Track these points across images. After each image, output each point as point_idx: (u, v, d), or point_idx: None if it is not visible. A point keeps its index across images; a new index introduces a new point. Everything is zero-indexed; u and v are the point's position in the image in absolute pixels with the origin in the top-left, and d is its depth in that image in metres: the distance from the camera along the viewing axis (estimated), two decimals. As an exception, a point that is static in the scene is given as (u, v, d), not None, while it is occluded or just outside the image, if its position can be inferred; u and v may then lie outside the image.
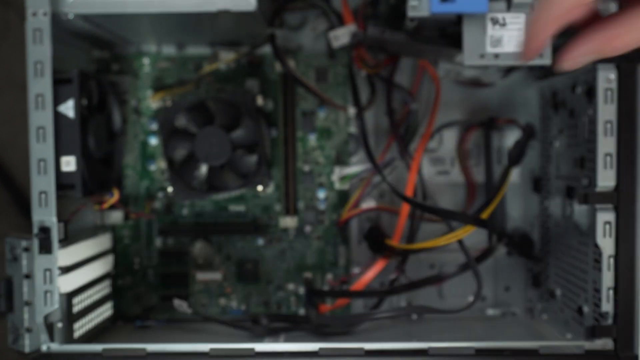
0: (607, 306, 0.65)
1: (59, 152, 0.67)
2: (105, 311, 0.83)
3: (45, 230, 0.65)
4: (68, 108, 0.68)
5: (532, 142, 0.85)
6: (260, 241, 0.87)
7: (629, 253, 0.65)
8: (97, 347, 0.67)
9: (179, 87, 0.84)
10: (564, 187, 0.76)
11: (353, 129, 0.86)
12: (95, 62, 0.85)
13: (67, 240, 0.70)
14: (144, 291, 0.87)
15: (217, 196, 0.83)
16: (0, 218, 0.88)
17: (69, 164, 0.68)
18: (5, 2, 0.87)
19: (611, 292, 0.65)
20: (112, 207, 0.83)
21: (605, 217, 0.65)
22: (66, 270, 0.70)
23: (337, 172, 0.85)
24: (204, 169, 0.78)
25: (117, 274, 0.86)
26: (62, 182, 0.68)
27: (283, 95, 0.85)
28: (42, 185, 0.65)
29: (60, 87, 0.67)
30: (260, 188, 0.85)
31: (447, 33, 0.70)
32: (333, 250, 0.86)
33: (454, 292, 0.87)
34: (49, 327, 0.67)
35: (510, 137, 0.85)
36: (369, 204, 0.83)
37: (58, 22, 0.67)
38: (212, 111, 0.77)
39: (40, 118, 0.65)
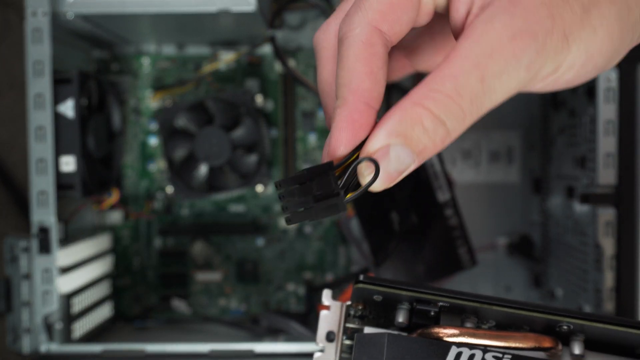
0: (609, 306, 0.65)
1: (58, 152, 0.67)
2: (104, 311, 0.83)
3: (44, 230, 0.65)
4: (67, 108, 0.68)
5: (532, 142, 0.85)
6: (260, 241, 0.87)
7: (630, 253, 0.64)
8: (96, 348, 0.67)
9: (179, 87, 0.84)
10: (565, 187, 0.76)
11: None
12: (95, 62, 0.85)
13: (67, 240, 0.70)
14: (143, 291, 0.87)
15: (217, 196, 0.83)
16: (0, 218, 0.88)
17: (68, 164, 0.68)
18: (5, 2, 0.87)
19: (612, 293, 0.65)
20: (112, 207, 0.83)
21: (606, 217, 0.65)
22: (65, 270, 0.70)
23: (337, 172, 0.85)
24: (203, 169, 0.77)
25: (117, 274, 0.86)
26: (62, 182, 0.68)
27: (283, 95, 0.85)
28: (42, 185, 0.65)
29: (60, 87, 0.67)
30: (260, 188, 0.84)
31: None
32: (333, 250, 0.86)
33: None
34: (48, 328, 0.66)
35: (511, 139, 0.85)
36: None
37: (58, 22, 0.67)
38: (212, 111, 0.77)
39: (40, 118, 0.65)
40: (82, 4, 0.66)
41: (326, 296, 0.44)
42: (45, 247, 0.65)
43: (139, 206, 0.86)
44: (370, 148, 0.31)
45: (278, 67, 0.84)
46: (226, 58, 0.84)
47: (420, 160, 0.32)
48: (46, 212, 0.65)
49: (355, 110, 0.32)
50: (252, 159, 0.78)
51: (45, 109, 0.65)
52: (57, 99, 0.67)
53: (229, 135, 0.76)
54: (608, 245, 0.65)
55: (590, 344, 0.41)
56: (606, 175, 0.64)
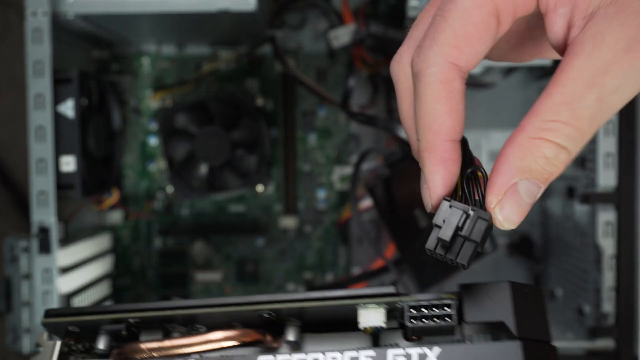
0: (608, 306, 0.65)
1: (58, 152, 0.67)
2: (104, 311, 0.82)
3: (44, 230, 0.65)
4: (67, 108, 0.68)
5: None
6: (260, 241, 0.87)
7: (629, 253, 0.64)
8: (96, 348, 0.67)
9: (179, 87, 0.84)
10: (565, 187, 0.76)
11: (353, 128, 0.86)
12: (95, 62, 0.85)
13: (67, 240, 0.70)
14: (143, 291, 0.87)
15: (217, 196, 0.83)
16: (0, 218, 0.88)
17: (68, 164, 0.68)
18: (5, 2, 0.87)
19: (612, 293, 0.65)
20: (112, 207, 0.83)
21: (605, 217, 0.65)
22: (65, 270, 0.70)
23: (337, 172, 0.85)
24: (204, 169, 0.77)
25: (117, 274, 0.86)
26: (62, 182, 0.68)
27: (283, 95, 0.85)
28: (42, 185, 0.65)
29: (60, 86, 0.67)
30: (260, 188, 0.84)
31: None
32: (333, 250, 0.86)
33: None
34: (48, 328, 0.66)
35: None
36: (368, 203, 0.83)
37: (58, 22, 0.67)
38: (212, 111, 0.77)
39: (40, 118, 0.65)
40: (82, 4, 0.66)
41: (41, 338, 0.39)
42: (45, 247, 0.65)
43: (139, 206, 0.86)
44: (498, 190, 0.31)
45: (278, 67, 0.84)
46: (226, 58, 0.84)
47: (547, 185, 0.32)
48: (46, 212, 0.65)
49: (444, 151, 0.31)
50: (252, 159, 0.78)
51: (45, 109, 0.65)
52: (57, 99, 0.67)
53: (229, 135, 0.76)
54: (608, 245, 0.65)
55: (310, 327, 0.37)
56: (606, 175, 0.64)
